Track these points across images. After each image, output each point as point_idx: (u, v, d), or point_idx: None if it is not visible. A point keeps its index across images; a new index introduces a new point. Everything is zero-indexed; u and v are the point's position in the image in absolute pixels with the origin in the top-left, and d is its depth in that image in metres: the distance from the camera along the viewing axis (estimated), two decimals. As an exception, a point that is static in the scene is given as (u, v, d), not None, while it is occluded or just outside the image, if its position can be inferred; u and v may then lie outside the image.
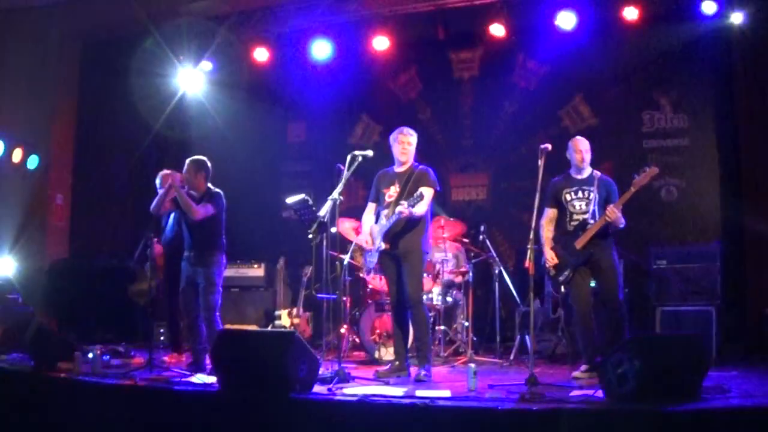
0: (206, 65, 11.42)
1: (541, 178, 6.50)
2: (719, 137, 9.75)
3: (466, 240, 9.46)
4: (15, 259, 10.57)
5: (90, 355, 7.15)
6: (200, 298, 7.57)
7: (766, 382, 6.47)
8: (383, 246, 7.20)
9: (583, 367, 6.96)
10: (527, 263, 6.61)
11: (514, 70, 10.98)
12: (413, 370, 7.20)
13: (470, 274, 9.15)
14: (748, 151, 9.30)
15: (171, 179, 7.64)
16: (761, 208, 8.86)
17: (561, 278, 7.13)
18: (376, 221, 7.40)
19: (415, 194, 6.82)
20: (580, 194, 7.14)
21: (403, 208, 6.82)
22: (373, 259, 7.38)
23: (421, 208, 6.95)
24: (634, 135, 10.20)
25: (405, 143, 7.32)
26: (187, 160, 7.83)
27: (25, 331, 7.77)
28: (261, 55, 11.42)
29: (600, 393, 5.46)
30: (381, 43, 10.85)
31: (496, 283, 8.99)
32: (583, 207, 7.08)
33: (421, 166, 7.34)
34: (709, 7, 9.30)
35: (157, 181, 8.48)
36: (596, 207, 7.00)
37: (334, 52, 11.15)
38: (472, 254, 9.38)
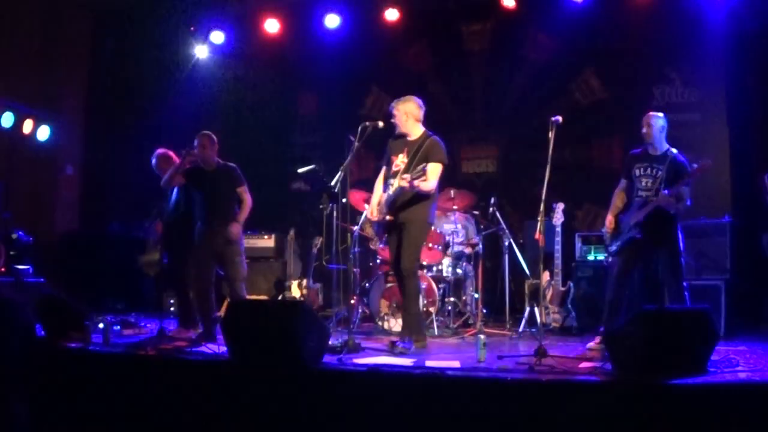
0: (217, 36, 11.40)
1: (552, 150, 6.48)
2: (730, 112, 9.69)
3: (476, 212, 9.45)
4: (26, 230, 10.62)
5: (101, 325, 7.20)
6: (231, 268, 7.59)
7: (774, 356, 6.49)
8: (388, 218, 7.10)
9: (598, 338, 6.95)
10: (537, 235, 6.62)
11: (525, 43, 10.91)
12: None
13: (480, 246, 9.17)
14: (759, 125, 9.26)
15: (191, 156, 7.62)
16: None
17: (611, 248, 7.17)
18: (385, 189, 7.25)
19: (418, 167, 6.68)
20: (648, 171, 7.05)
21: (405, 183, 6.73)
22: (378, 230, 7.34)
23: (427, 185, 6.78)
24: (645, 109, 10.13)
25: (393, 114, 7.19)
26: (201, 135, 7.71)
27: (36, 301, 7.81)
28: (272, 26, 11.42)
29: (608, 365, 5.49)
30: (392, 14, 10.85)
31: (506, 255, 9.02)
32: (649, 184, 7.01)
33: (432, 138, 7.07)
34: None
35: (153, 161, 8.37)
36: (662, 186, 6.89)
37: (345, 24, 11.14)
38: (482, 226, 9.38)
